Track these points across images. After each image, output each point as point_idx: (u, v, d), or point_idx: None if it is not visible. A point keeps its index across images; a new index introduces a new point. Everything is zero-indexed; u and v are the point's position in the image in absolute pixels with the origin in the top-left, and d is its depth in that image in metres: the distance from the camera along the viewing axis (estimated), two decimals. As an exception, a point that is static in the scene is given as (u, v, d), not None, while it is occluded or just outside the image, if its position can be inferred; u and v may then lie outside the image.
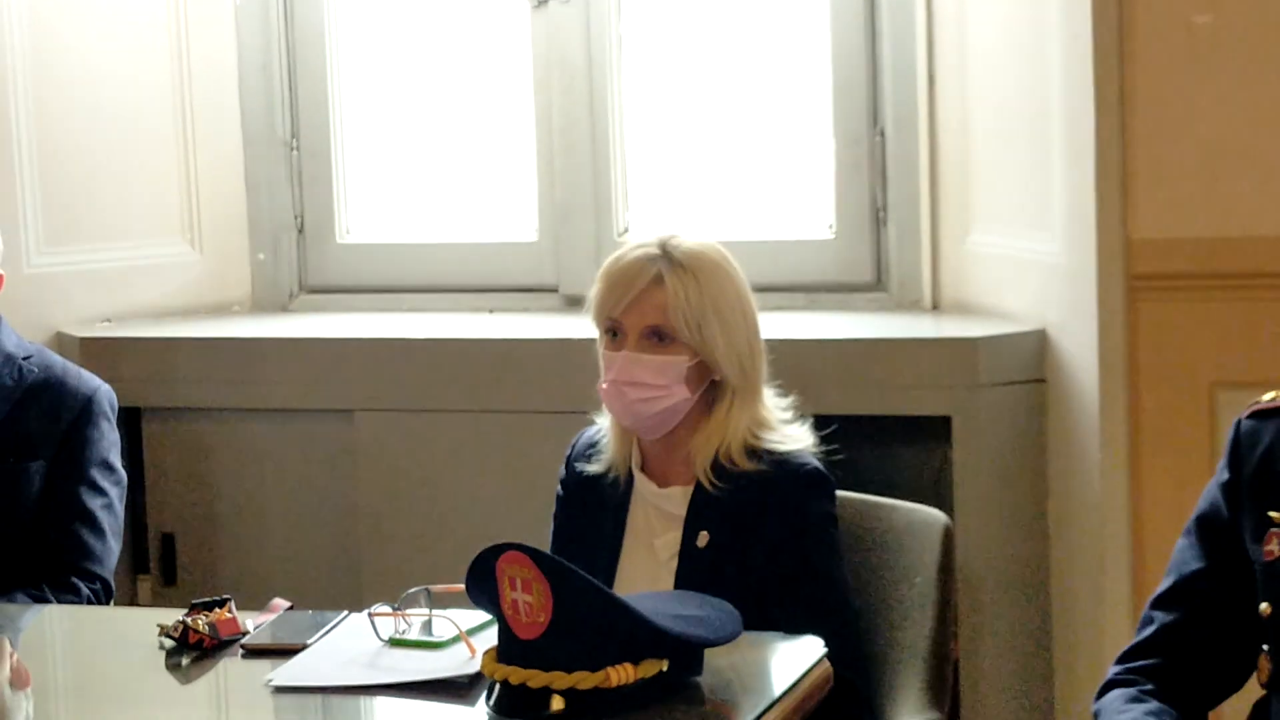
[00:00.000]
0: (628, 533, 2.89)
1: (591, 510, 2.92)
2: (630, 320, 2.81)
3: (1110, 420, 3.40)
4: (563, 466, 3.01)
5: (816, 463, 2.84)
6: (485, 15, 4.28)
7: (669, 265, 2.80)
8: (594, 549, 2.89)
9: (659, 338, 2.80)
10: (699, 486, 2.83)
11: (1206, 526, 2.41)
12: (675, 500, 2.86)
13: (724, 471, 2.81)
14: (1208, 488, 2.43)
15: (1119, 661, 2.42)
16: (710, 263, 2.83)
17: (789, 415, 2.89)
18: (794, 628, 2.59)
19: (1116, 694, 2.37)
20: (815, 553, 2.80)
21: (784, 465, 2.82)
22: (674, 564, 2.83)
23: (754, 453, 2.82)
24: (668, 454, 2.87)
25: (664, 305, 2.79)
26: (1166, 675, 2.37)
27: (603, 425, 2.95)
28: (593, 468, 2.92)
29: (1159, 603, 2.41)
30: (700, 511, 2.82)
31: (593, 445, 2.96)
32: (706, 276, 2.81)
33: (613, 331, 2.84)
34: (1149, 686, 2.36)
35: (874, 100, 3.98)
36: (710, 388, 2.84)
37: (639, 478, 2.89)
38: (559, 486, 3.01)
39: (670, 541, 2.85)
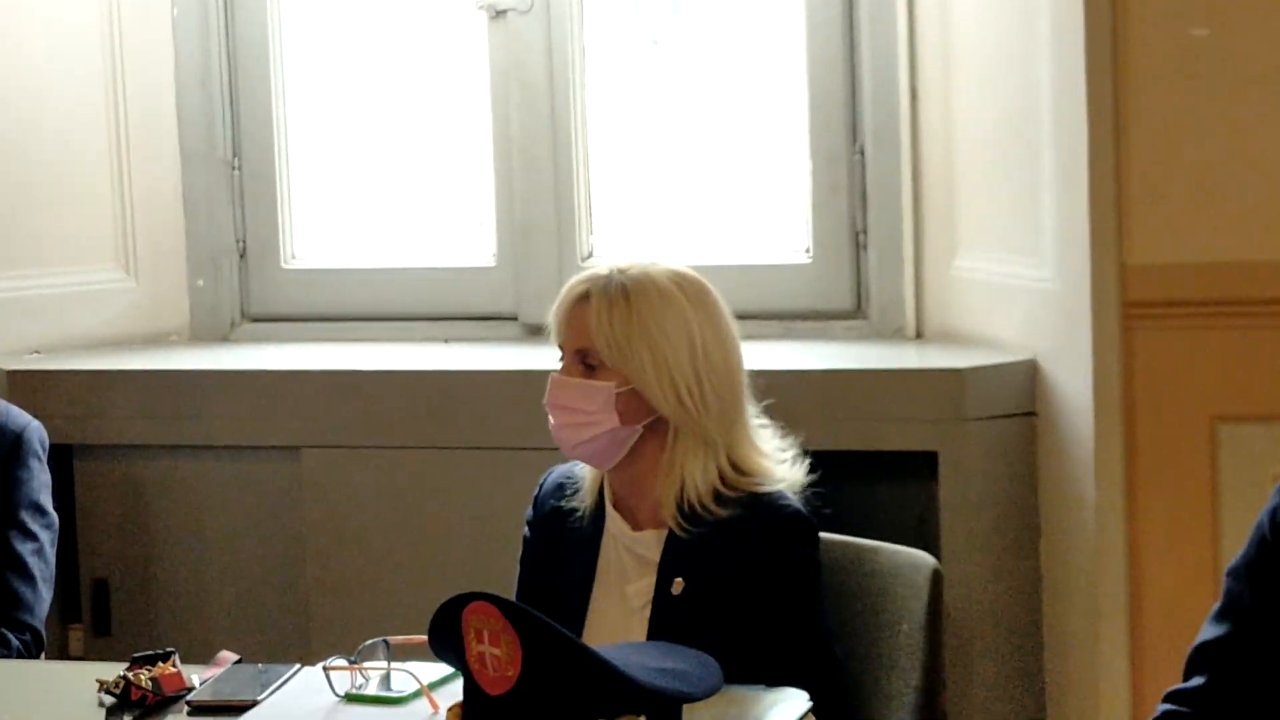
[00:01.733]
0: (598, 578, 2.89)
1: (560, 553, 2.92)
2: (564, 341, 2.85)
3: (1105, 456, 3.42)
4: (530, 506, 3.01)
5: (798, 505, 2.83)
6: (440, 26, 4.29)
7: (602, 287, 2.81)
8: (562, 595, 2.88)
9: (586, 363, 2.82)
10: (673, 530, 2.83)
11: (1260, 561, 2.41)
12: (649, 544, 2.85)
13: (695, 516, 2.81)
14: (1256, 524, 2.42)
15: (1167, 700, 2.44)
16: (653, 286, 2.82)
17: (783, 455, 2.89)
18: (775, 679, 2.60)
19: None
20: (796, 600, 2.80)
21: (762, 508, 2.81)
22: (647, 612, 2.83)
23: (729, 494, 2.82)
24: (637, 496, 2.87)
25: (587, 325, 2.81)
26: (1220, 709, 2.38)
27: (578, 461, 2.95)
28: (564, 503, 2.92)
29: (1209, 646, 2.41)
30: (675, 557, 2.82)
31: (564, 479, 2.96)
32: (641, 301, 2.80)
33: (561, 358, 2.87)
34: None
35: (853, 116, 4.00)
36: (665, 426, 2.83)
37: (611, 517, 2.89)
38: (525, 528, 3.01)
39: (643, 588, 2.85)
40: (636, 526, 2.87)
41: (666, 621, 2.79)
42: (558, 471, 2.99)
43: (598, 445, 2.81)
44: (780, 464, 2.87)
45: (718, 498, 2.80)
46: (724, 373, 2.84)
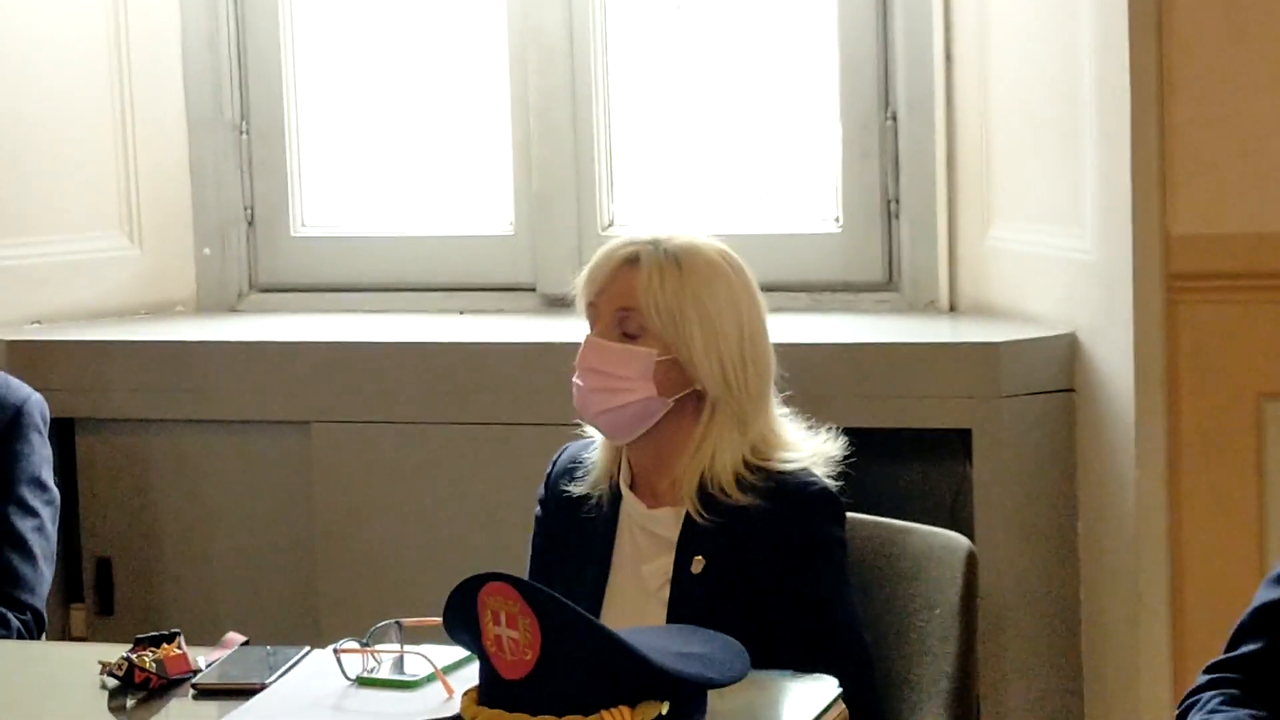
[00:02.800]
0: (615, 559, 2.88)
1: (574, 534, 2.91)
2: (602, 303, 2.82)
3: (1146, 433, 3.40)
4: (542, 485, 3.00)
5: (825, 482, 2.83)
6: (456, -14, 4.27)
7: (652, 250, 2.80)
8: (576, 576, 2.88)
9: (629, 327, 2.80)
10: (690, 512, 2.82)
11: None
12: (666, 523, 2.84)
13: (714, 501, 2.79)
14: None
15: (1209, 671, 2.42)
16: (703, 259, 2.82)
17: (804, 435, 2.88)
18: (799, 663, 2.58)
19: (1211, 694, 2.36)
20: (822, 580, 2.79)
21: (787, 485, 2.80)
22: (665, 593, 2.82)
23: (756, 471, 2.80)
24: (655, 471, 2.86)
25: (634, 287, 2.79)
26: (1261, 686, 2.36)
27: (593, 440, 2.94)
28: (576, 488, 2.91)
29: (1272, 608, 2.39)
30: (694, 534, 2.81)
31: (577, 462, 2.94)
32: (693, 270, 2.80)
33: (592, 320, 2.85)
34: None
35: (885, 81, 3.98)
36: (696, 401, 2.82)
37: (627, 497, 2.88)
38: (537, 506, 3.00)
39: (661, 568, 2.84)
40: (653, 504, 2.86)
41: (686, 602, 2.78)
42: (570, 449, 2.98)
43: (625, 415, 2.80)
44: (811, 438, 2.86)
45: (739, 481, 2.79)
46: (763, 355, 2.85)
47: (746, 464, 2.80)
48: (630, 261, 2.80)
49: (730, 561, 2.78)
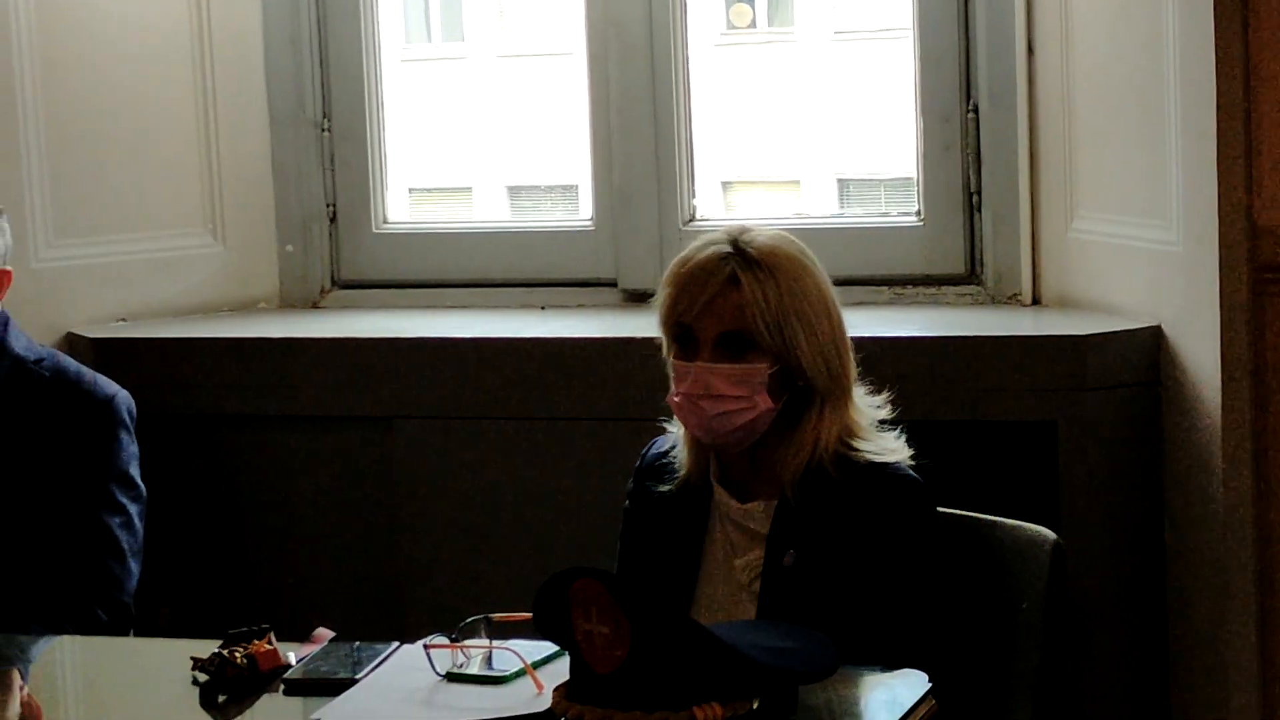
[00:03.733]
0: (705, 553, 2.88)
1: (664, 529, 2.92)
2: (703, 325, 2.81)
3: (1234, 427, 3.38)
4: (631, 480, 3.01)
5: (913, 474, 2.83)
6: (536, -19, 4.28)
7: (744, 264, 2.80)
8: (667, 571, 2.89)
9: (736, 345, 2.80)
10: (784, 501, 2.82)
11: None
12: (758, 517, 2.85)
13: (811, 484, 2.80)
14: None
15: None
16: (787, 258, 2.83)
17: (884, 415, 2.88)
18: (888, 654, 2.58)
19: None
20: (912, 570, 2.78)
21: (877, 476, 2.81)
22: (756, 586, 2.83)
23: (845, 463, 2.81)
24: (750, 467, 2.87)
25: (741, 308, 2.78)
26: None
27: (675, 435, 2.94)
28: (666, 478, 2.92)
29: None
30: (786, 528, 2.81)
31: (664, 457, 2.95)
32: (784, 274, 2.80)
33: (683, 340, 2.84)
34: None
35: (966, 72, 3.97)
36: (794, 394, 2.83)
37: (718, 492, 2.88)
38: (626, 501, 3.01)
39: (752, 561, 2.84)
40: (744, 499, 2.86)
41: (777, 595, 2.79)
42: (659, 443, 2.99)
43: (748, 429, 2.81)
44: (886, 429, 2.87)
45: (839, 464, 2.79)
46: (846, 335, 2.86)
47: (841, 448, 2.82)
48: (731, 282, 2.79)
49: (822, 554, 2.79)
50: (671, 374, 2.86)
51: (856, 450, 2.83)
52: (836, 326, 2.85)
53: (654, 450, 2.99)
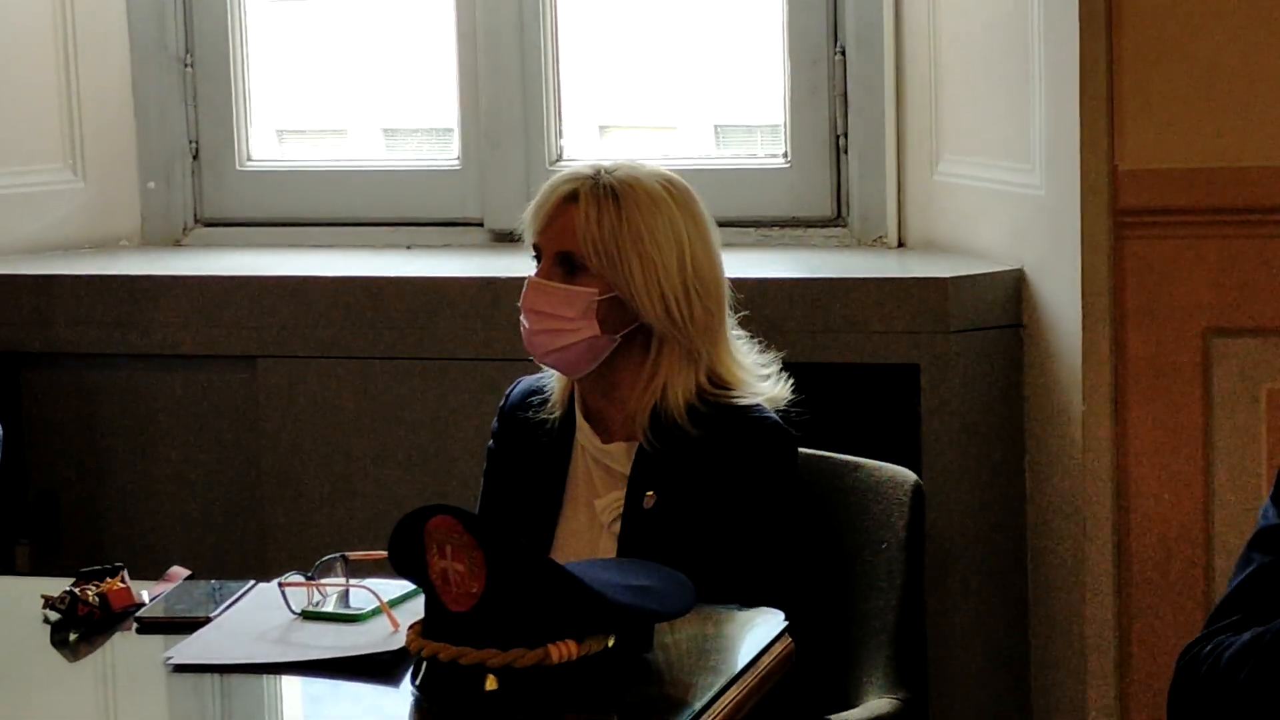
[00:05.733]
0: (567, 492, 2.86)
1: (526, 467, 2.90)
2: (544, 242, 2.80)
3: (1094, 369, 3.40)
4: (496, 417, 2.98)
5: (775, 418, 2.81)
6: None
7: (590, 187, 2.77)
8: (529, 510, 2.87)
9: (569, 266, 2.78)
10: (644, 443, 2.81)
11: None
12: (619, 457, 2.83)
13: (667, 431, 2.78)
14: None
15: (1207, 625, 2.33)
16: (645, 192, 2.79)
17: (763, 370, 2.86)
18: (747, 597, 2.58)
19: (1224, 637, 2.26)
20: (770, 515, 2.78)
21: (738, 419, 2.79)
22: (617, 527, 2.81)
23: (704, 410, 2.79)
24: (608, 405, 2.85)
25: (573, 227, 2.76)
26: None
27: (549, 371, 2.92)
28: (532, 415, 2.89)
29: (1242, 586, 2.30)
30: (647, 469, 2.80)
31: (532, 393, 2.92)
32: (631, 205, 2.77)
33: (536, 259, 2.83)
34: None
35: (834, 15, 3.96)
36: (644, 335, 2.80)
37: (581, 429, 2.86)
38: (490, 440, 2.98)
39: (613, 502, 2.83)
40: (607, 439, 2.85)
41: (637, 536, 2.77)
42: (525, 382, 2.96)
43: (572, 354, 2.78)
44: (760, 379, 2.85)
45: (692, 413, 2.77)
46: (710, 283, 2.82)
47: (701, 396, 2.79)
48: (569, 199, 2.78)
49: (681, 497, 2.77)
50: None
51: (716, 393, 2.80)
52: (693, 272, 2.79)
53: (518, 389, 2.96)
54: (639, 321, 2.78)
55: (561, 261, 2.78)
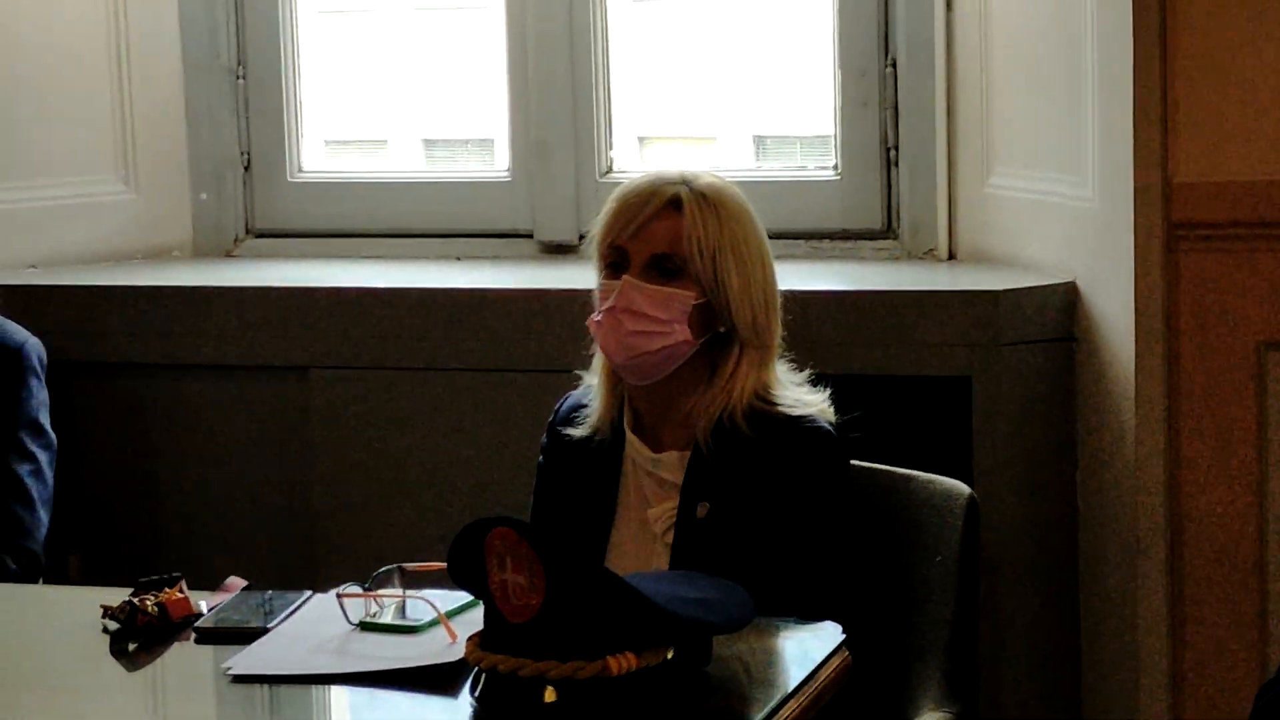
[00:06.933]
0: (619, 503, 2.87)
1: (577, 480, 2.90)
2: (637, 246, 2.80)
3: (1146, 383, 3.38)
4: (545, 433, 2.99)
5: (829, 426, 2.82)
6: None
7: (690, 192, 2.80)
8: (581, 523, 2.87)
9: (667, 269, 2.79)
10: (697, 451, 2.81)
11: None
12: (671, 467, 2.84)
13: (725, 436, 2.79)
14: None
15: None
16: (733, 197, 2.84)
17: (804, 386, 2.87)
18: (800, 606, 2.58)
19: None
20: (822, 522, 2.78)
21: (792, 428, 2.80)
22: (670, 537, 2.82)
23: (760, 416, 2.80)
24: (663, 414, 2.85)
25: (678, 232, 2.78)
26: None
27: (590, 385, 2.93)
28: (578, 432, 2.90)
29: None
30: (699, 479, 2.80)
31: (578, 409, 2.93)
32: (729, 214, 2.81)
33: (615, 264, 2.82)
34: None
35: (885, 27, 3.95)
36: (713, 341, 2.81)
37: (630, 441, 2.87)
38: (540, 455, 2.99)
39: (665, 512, 2.83)
40: (658, 448, 2.85)
41: (690, 547, 2.78)
42: (572, 398, 2.97)
43: (658, 357, 2.79)
44: (810, 391, 2.86)
45: (751, 417, 2.78)
46: (777, 295, 2.87)
47: (757, 402, 2.80)
48: (673, 204, 2.79)
49: (735, 506, 2.78)
50: (598, 295, 2.84)
51: (772, 404, 2.82)
52: (769, 281, 2.85)
53: (568, 403, 2.97)
54: (720, 328, 2.80)
55: (655, 265, 2.79)
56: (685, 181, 2.81)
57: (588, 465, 2.90)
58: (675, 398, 2.83)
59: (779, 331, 2.86)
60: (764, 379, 2.82)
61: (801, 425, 2.80)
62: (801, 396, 2.85)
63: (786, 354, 2.91)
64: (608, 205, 2.85)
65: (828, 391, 2.88)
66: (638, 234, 2.79)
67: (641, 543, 2.84)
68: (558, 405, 2.99)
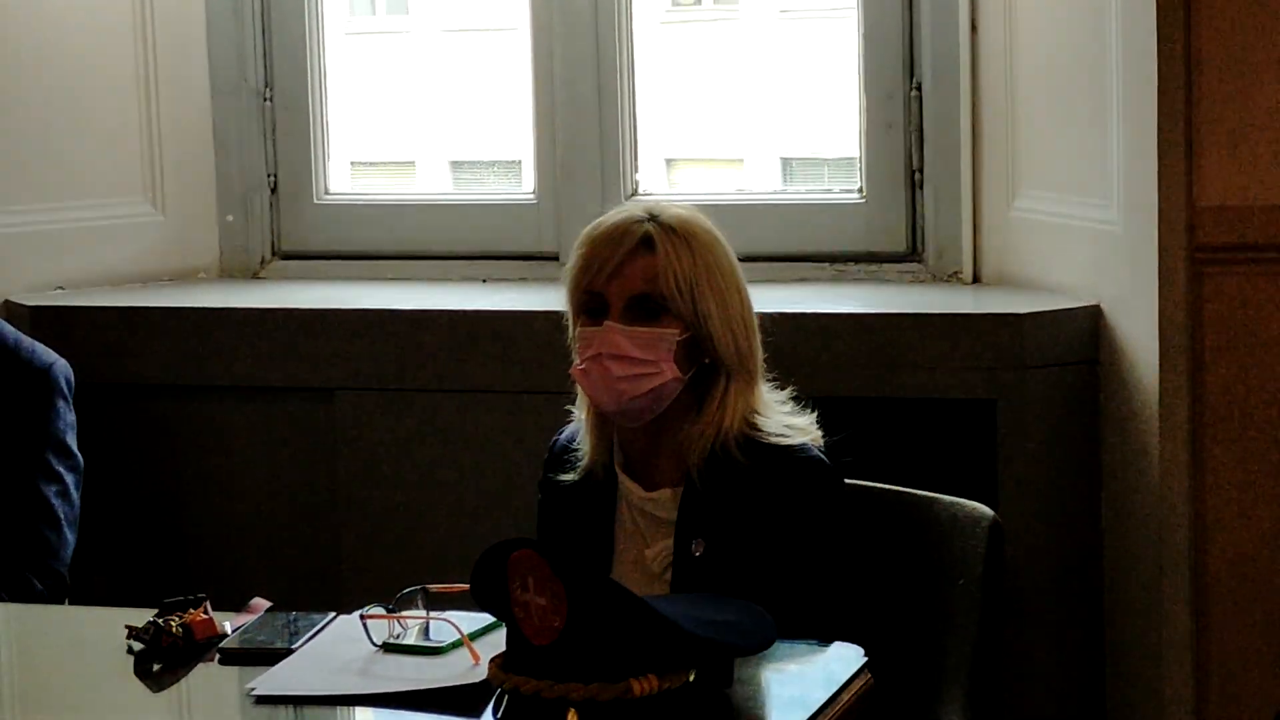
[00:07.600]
0: (616, 544, 2.85)
1: (573, 523, 2.89)
2: (615, 289, 2.78)
3: (1171, 406, 3.39)
4: (543, 469, 2.98)
5: (820, 455, 2.81)
6: (479, -48, 4.27)
7: (659, 229, 2.78)
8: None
9: (647, 309, 2.77)
10: (689, 487, 2.79)
11: None
12: (664, 504, 2.82)
13: (718, 467, 2.78)
14: None
15: None
16: (703, 229, 2.82)
17: (787, 406, 2.87)
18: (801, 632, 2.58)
19: None
20: (820, 554, 2.77)
21: (783, 459, 2.79)
22: (669, 576, 2.81)
23: (751, 445, 2.79)
24: (653, 451, 2.84)
25: (654, 270, 2.76)
26: None
27: (581, 420, 2.90)
28: (570, 477, 2.89)
29: None
30: (693, 516, 2.79)
31: (569, 448, 2.92)
32: (700, 244, 2.79)
33: (591, 309, 2.80)
34: None
35: (909, 50, 3.96)
36: (699, 374, 2.81)
37: (623, 481, 2.85)
38: (538, 490, 2.98)
39: (662, 551, 2.82)
40: (650, 486, 2.84)
41: (689, 585, 2.77)
42: (565, 434, 2.95)
43: (652, 398, 2.78)
44: (795, 412, 2.85)
45: (743, 445, 2.78)
46: (754, 319, 2.85)
47: (748, 429, 2.80)
48: (645, 243, 2.77)
49: (731, 541, 2.76)
50: (576, 345, 2.82)
51: (761, 432, 2.80)
52: (746, 305, 2.83)
53: (560, 441, 2.95)
54: (704, 359, 2.79)
55: (636, 306, 2.78)
56: (653, 217, 2.79)
57: (583, 508, 2.88)
58: (664, 433, 2.82)
59: (761, 354, 2.85)
60: (751, 404, 2.81)
61: (794, 456, 2.79)
62: (791, 422, 2.84)
63: (770, 375, 2.90)
64: (576, 250, 2.82)
65: (814, 414, 2.87)
66: (613, 277, 2.77)
67: (641, 582, 2.80)
68: (551, 442, 2.97)
